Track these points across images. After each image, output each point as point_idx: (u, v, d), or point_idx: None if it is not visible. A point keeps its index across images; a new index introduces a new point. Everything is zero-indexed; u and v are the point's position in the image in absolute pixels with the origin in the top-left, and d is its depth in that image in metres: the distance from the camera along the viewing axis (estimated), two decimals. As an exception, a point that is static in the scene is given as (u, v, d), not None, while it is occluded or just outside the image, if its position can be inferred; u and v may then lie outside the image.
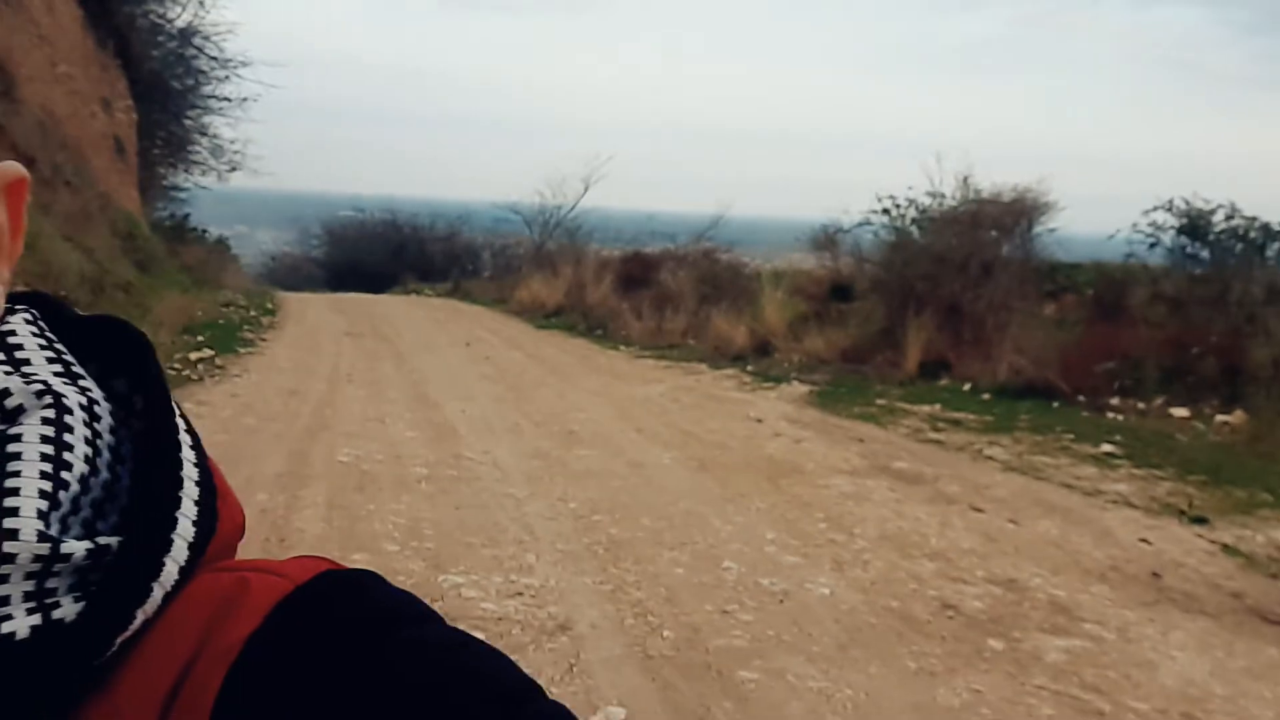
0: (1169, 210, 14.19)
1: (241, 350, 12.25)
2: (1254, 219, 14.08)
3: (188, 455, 0.57)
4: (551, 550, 5.65)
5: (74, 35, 15.37)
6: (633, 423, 9.47)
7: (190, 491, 0.56)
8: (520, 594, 4.91)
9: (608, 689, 3.98)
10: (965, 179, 14.75)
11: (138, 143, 18.86)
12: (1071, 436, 9.83)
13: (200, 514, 0.55)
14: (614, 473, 7.50)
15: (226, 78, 21.96)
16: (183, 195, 24.55)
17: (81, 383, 0.56)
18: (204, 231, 23.70)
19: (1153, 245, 14.55)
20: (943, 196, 14.65)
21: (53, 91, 13.53)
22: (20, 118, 11.23)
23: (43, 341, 0.57)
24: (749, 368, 13.44)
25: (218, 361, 10.96)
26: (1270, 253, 14.06)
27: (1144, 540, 6.80)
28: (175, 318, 11.89)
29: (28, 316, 0.58)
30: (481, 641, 0.54)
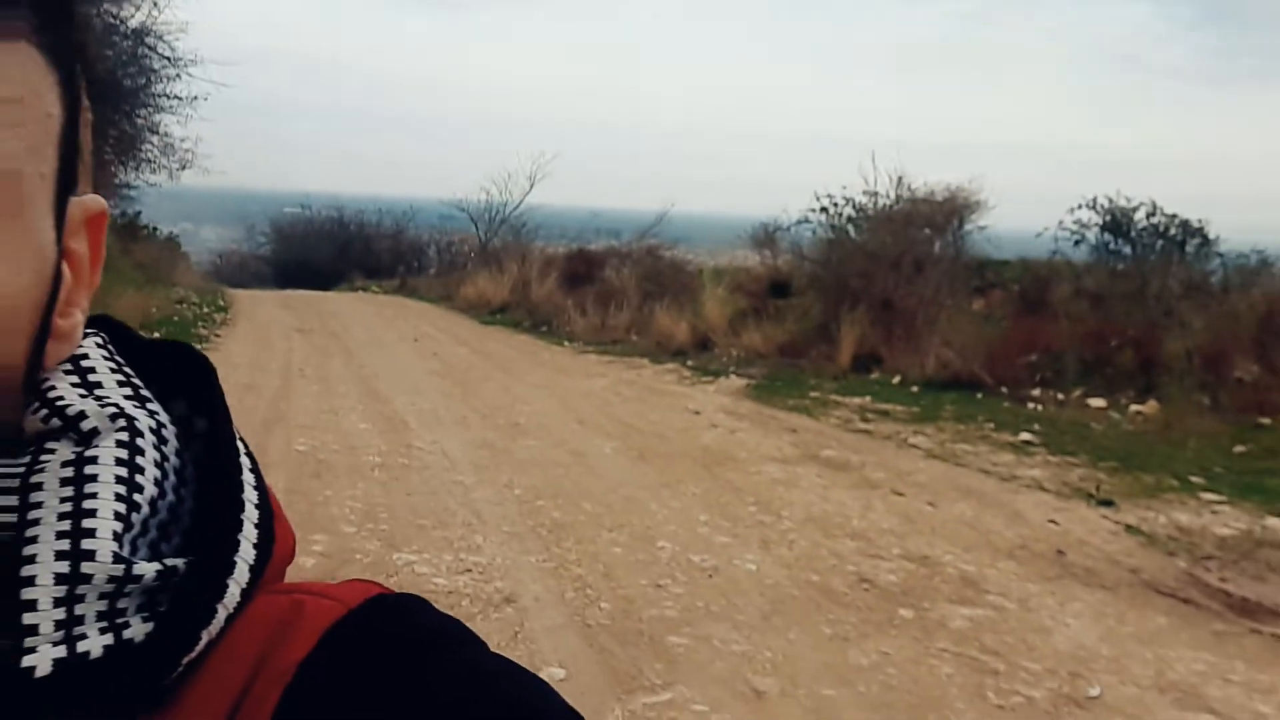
0: (1093, 208, 14.81)
1: (197, 346, 12.49)
2: (1174, 216, 14.73)
3: (248, 479, 0.59)
4: (498, 532, 6.05)
5: (26, 35, 15.46)
6: (575, 415, 9.87)
7: (251, 515, 0.58)
8: (469, 570, 5.31)
9: (549, 653, 4.39)
10: (900, 178, 15.31)
11: (91, 142, 18.95)
12: (992, 426, 10.34)
13: (260, 537, 0.58)
14: (557, 461, 7.90)
15: (178, 76, 22.06)
16: (132, 193, 24.64)
17: (149, 406, 0.58)
18: (154, 229, 23.85)
19: (1078, 242, 15.16)
20: (877, 195, 15.18)
21: (8, 92, 13.60)
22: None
23: (113, 365, 0.59)
24: (689, 362, 13.90)
25: (173, 358, 11.25)
26: (1190, 249, 14.71)
27: (1052, 521, 7.27)
28: (132, 315, 12.17)
29: (98, 340, 0.60)
30: (526, 670, 0.56)
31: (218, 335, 14.07)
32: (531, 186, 26.02)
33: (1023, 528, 7.04)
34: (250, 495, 0.58)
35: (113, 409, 0.56)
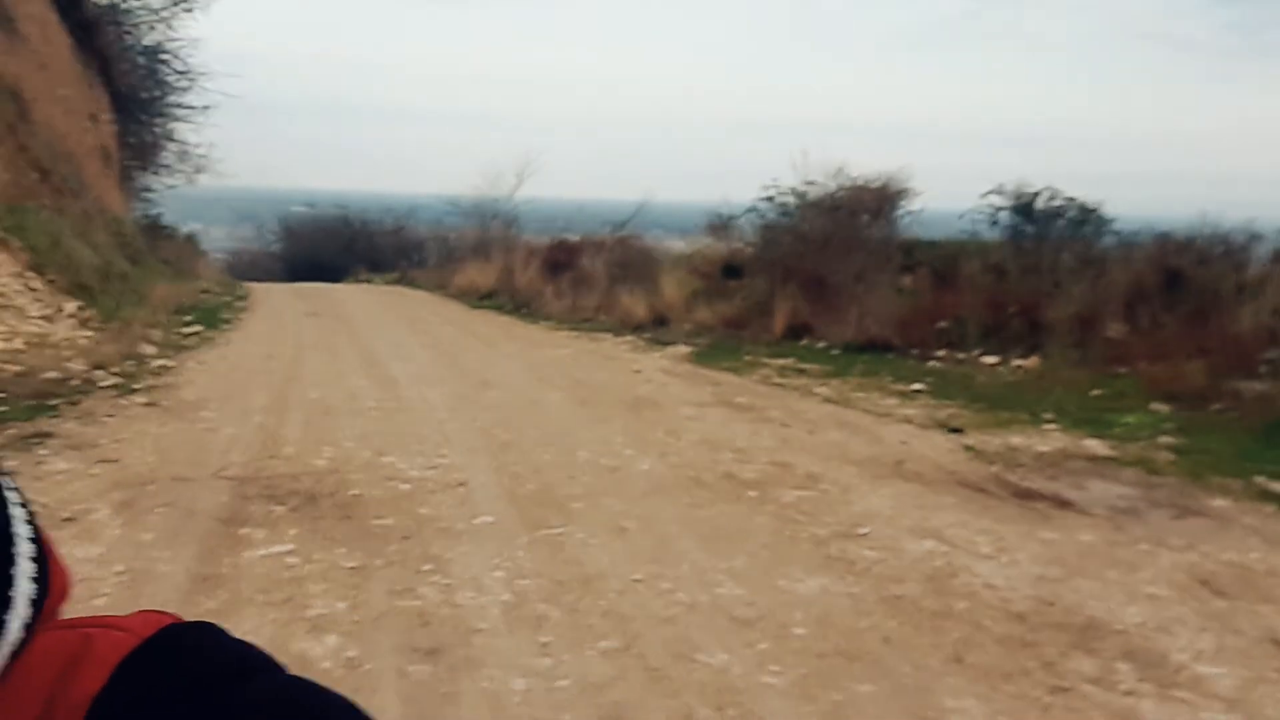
0: (1000, 193, 16.82)
1: (224, 327, 14.82)
2: (1073, 199, 16.72)
3: (18, 514, 0.58)
4: (460, 447, 8.09)
5: (66, 59, 17.75)
6: (537, 375, 11.93)
7: (26, 550, 0.57)
8: (435, 468, 7.34)
9: (484, 509, 6.40)
10: (839, 169, 17.37)
11: (117, 151, 21.30)
12: (891, 379, 12.31)
13: (37, 571, 0.57)
14: (514, 406, 9.94)
15: (189, 87, 24.25)
16: (152, 196, 26.90)
17: None
18: (175, 228, 26.06)
19: (993, 223, 17.17)
20: (814, 184, 17.21)
21: (54, 110, 15.87)
22: (35, 136, 13.57)
23: None
24: (645, 335, 15.97)
25: (206, 334, 13.49)
26: (1089, 228, 16.70)
27: (904, 442, 9.22)
28: (167, 301, 14.42)
29: None
30: (328, 689, 0.58)
31: (240, 318, 16.34)
32: (520, 182, 27.97)
33: (877, 447, 8.97)
34: (23, 531, 0.58)
35: None
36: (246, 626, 4.33)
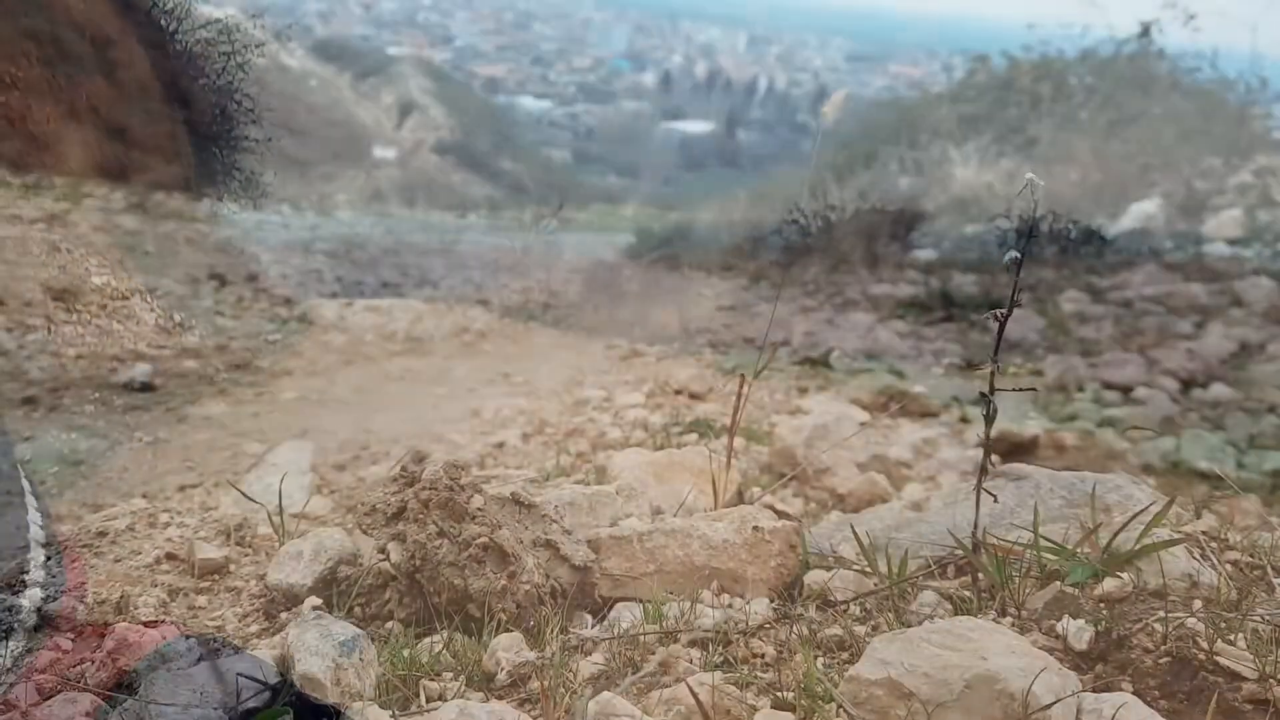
0: (1006, 217, 18.07)
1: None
2: (1076, 222, 17.97)
3: None
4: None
5: (156, 101, 19.47)
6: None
7: None
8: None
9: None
10: (860, 193, 18.66)
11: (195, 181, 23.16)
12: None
13: None
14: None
15: (254, 121, 25.99)
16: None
17: None
18: (240, 252, 27.92)
19: (1001, 245, 18.37)
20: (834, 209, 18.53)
21: (148, 149, 17.55)
22: (140, 177, 15.17)
23: None
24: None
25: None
26: (1089, 249, 17.93)
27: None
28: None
29: None
30: None
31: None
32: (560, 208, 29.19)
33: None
34: None
35: None
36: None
